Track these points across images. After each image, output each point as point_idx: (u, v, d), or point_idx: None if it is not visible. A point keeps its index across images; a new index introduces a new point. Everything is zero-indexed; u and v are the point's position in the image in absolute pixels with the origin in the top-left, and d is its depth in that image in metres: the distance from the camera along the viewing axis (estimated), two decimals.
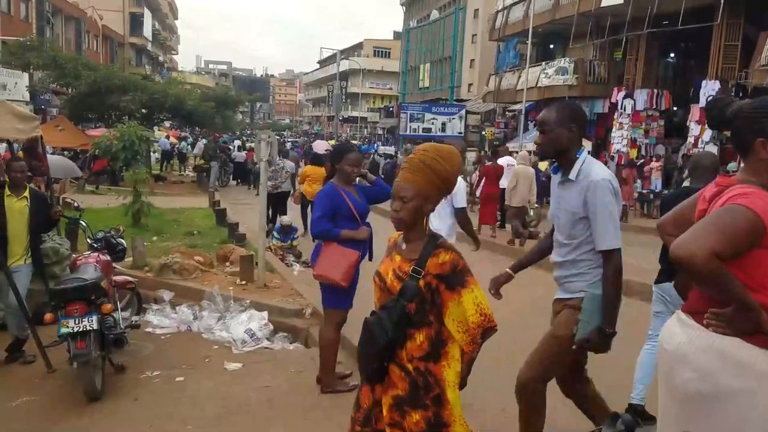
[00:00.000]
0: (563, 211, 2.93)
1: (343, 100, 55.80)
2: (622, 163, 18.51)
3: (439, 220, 5.36)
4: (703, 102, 17.05)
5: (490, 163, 12.64)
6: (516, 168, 11.18)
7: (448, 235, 5.39)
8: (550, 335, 3.01)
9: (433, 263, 2.19)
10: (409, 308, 2.18)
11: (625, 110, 21.19)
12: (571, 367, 3.14)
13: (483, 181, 12.04)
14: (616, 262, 2.81)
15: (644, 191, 16.52)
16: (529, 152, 12.70)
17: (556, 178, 3.02)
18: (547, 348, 2.99)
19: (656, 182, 17.25)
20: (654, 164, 18.06)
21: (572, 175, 2.86)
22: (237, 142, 28.48)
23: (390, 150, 28.48)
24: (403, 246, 2.32)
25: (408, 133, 31.67)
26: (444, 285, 2.19)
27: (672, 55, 24.26)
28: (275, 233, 9.90)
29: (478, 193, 12.45)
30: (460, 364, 2.28)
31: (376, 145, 37.30)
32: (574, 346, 2.87)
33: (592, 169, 2.85)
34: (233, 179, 23.11)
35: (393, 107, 48.06)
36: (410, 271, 2.19)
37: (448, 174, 2.24)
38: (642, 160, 18.97)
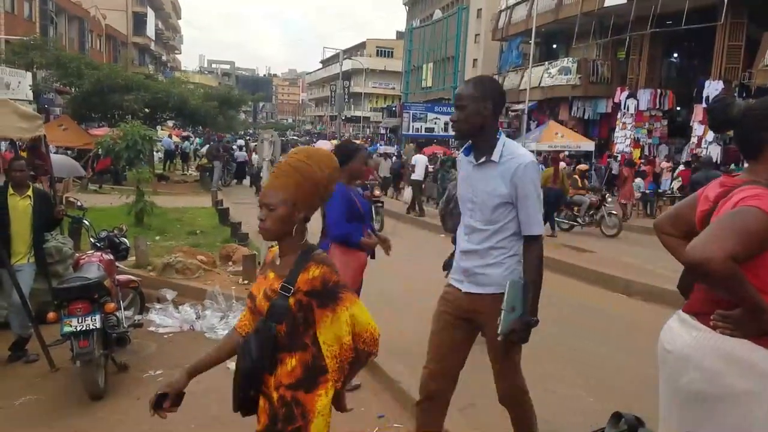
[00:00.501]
0: (482, 194, 2.73)
1: (346, 100, 55.80)
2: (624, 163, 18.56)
3: None
4: (706, 102, 17.04)
5: None
6: None
7: None
8: (508, 347, 2.79)
9: (303, 279, 1.97)
10: (278, 330, 1.96)
11: (628, 110, 21.19)
12: (453, 372, 2.95)
13: None
14: (540, 247, 2.71)
15: (646, 191, 16.52)
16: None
17: (468, 160, 2.81)
18: (507, 352, 2.82)
19: (666, 182, 17.28)
20: (665, 164, 18.10)
21: (495, 156, 2.68)
22: (240, 142, 28.53)
23: (390, 149, 28.54)
24: (278, 261, 2.10)
25: (411, 132, 31.70)
26: (316, 302, 1.97)
27: (675, 55, 24.24)
28: None
29: None
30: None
31: (377, 145, 37.38)
32: (499, 338, 2.70)
33: (518, 151, 2.71)
34: (235, 179, 23.18)
35: (396, 107, 48.04)
36: (279, 289, 1.98)
37: (319, 178, 2.01)
38: (642, 161, 18.99)
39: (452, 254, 5.50)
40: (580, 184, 13.74)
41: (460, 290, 2.84)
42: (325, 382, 2.00)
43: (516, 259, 2.73)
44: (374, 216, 12.42)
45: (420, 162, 16.09)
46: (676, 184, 16.57)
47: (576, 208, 13.34)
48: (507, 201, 2.66)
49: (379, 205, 12.60)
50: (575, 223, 13.27)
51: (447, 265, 5.53)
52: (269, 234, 2.04)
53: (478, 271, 2.75)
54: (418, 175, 15.71)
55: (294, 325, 1.98)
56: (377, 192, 13.14)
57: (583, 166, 15.48)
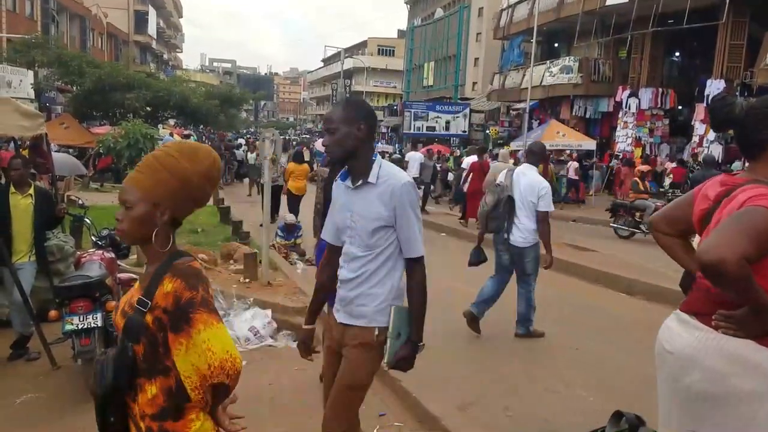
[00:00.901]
0: (360, 219, 2.62)
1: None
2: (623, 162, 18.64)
3: (529, 221, 5.49)
4: (707, 101, 17.04)
5: (477, 159, 13.03)
6: (495, 164, 11.38)
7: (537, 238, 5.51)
8: (345, 387, 2.65)
9: (160, 293, 1.69)
10: (135, 351, 1.71)
11: (629, 109, 21.17)
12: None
13: (470, 176, 12.66)
14: (423, 269, 2.64)
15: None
16: (513, 151, 12.93)
17: (345, 185, 2.69)
18: (347, 402, 2.69)
19: (668, 181, 17.28)
20: (669, 165, 18.10)
21: (372, 178, 2.58)
22: (240, 141, 28.57)
23: (389, 148, 28.49)
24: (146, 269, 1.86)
25: (412, 131, 31.64)
26: (169, 324, 1.69)
27: (677, 53, 24.21)
28: (279, 231, 9.93)
29: (465, 189, 12.97)
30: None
31: (377, 143, 37.39)
32: (388, 369, 2.62)
33: (394, 172, 2.64)
34: (236, 178, 23.18)
35: (397, 106, 47.95)
36: (135, 303, 1.73)
37: (188, 174, 1.75)
38: (641, 159, 18.99)
39: (476, 247, 5.63)
40: (641, 187, 12.64)
41: (336, 320, 2.75)
42: (194, 408, 1.76)
43: (394, 287, 2.65)
44: None
45: (414, 159, 15.97)
46: (667, 181, 16.62)
47: (638, 214, 12.07)
48: (387, 224, 2.59)
49: None
50: (637, 231, 12.04)
51: (472, 261, 5.62)
52: (126, 237, 1.78)
53: (354, 300, 2.66)
54: (411, 173, 15.66)
55: (153, 346, 1.70)
56: None
57: (644, 167, 14.43)
